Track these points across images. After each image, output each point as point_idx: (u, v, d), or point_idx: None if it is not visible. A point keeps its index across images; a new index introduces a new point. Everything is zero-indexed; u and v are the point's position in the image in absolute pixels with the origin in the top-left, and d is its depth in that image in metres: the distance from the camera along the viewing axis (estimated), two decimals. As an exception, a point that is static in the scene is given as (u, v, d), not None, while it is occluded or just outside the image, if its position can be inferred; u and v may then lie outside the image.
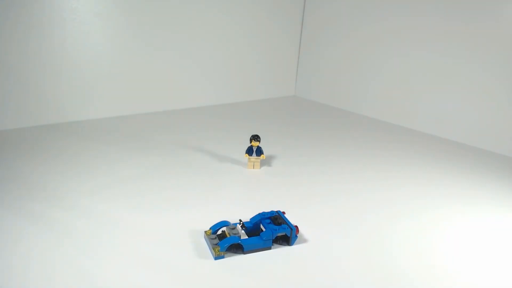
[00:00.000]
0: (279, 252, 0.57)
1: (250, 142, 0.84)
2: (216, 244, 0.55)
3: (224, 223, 0.58)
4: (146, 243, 0.57)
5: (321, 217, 0.67)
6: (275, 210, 0.64)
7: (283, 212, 0.61)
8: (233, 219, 0.64)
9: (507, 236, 0.64)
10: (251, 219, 0.59)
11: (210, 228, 0.58)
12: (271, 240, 0.57)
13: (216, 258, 0.54)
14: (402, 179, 0.84)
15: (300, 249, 0.58)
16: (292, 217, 0.66)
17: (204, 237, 0.58)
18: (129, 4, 1.11)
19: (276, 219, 0.59)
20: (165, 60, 1.23)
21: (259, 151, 0.84)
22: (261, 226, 0.59)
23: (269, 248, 0.57)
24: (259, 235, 0.57)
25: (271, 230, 0.56)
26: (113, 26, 1.11)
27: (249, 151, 0.84)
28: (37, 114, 1.05)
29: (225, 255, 0.55)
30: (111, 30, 1.11)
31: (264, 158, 0.86)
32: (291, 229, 0.57)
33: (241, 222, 0.58)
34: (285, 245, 0.58)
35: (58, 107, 1.08)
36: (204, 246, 0.57)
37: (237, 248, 0.55)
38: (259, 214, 0.60)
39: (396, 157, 0.96)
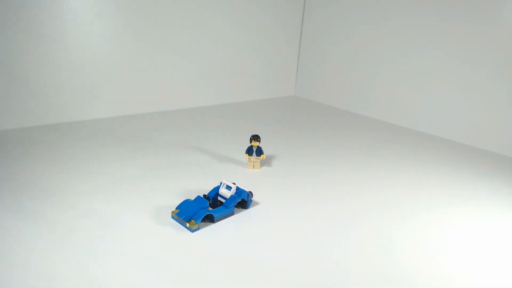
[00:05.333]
0: (241, 216, 0.66)
1: (250, 142, 0.84)
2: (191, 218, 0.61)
3: (187, 201, 0.64)
4: (146, 243, 0.57)
5: (321, 217, 0.67)
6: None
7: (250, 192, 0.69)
8: (233, 218, 0.65)
9: (507, 236, 0.64)
10: (209, 193, 0.68)
11: (177, 208, 0.64)
12: (234, 207, 0.66)
13: (193, 231, 0.61)
14: (402, 179, 0.84)
15: (300, 248, 0.58)
16: (292, 217, 0.66)
17: (172, 217, 0.64)
18: (129, 4, 1.11)
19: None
20: (165, 60, 1.23)
21: (259, 151, 0.84)
22: (219, 198, 0.68)
23: (233, 214, 0.66)
24: (221, 204, 0.66)
25: (233, 198, 0.65)
26: (114, 27, 1.11)
27: (249, 151, 0.84)
28: (37, 114, 1.05)
29: (199, 226, 0.62)
30: (111, 30, 1.11)
31: (264, 158, 0.86)
32: (247, 194, 0.67)
33: (205, 195, 0.65)
34: (242, 209, 0.68)
35: (58, 107, 1.08)
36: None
37: (207, 218, 0.64)
38: (215, 188, 0.68)
39: (396, 157, 0.96)
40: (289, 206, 0.70)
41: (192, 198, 0.66)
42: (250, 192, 0.69)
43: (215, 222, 0.64)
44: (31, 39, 1.00)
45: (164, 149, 0.93)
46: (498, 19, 1.01)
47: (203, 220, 0.63)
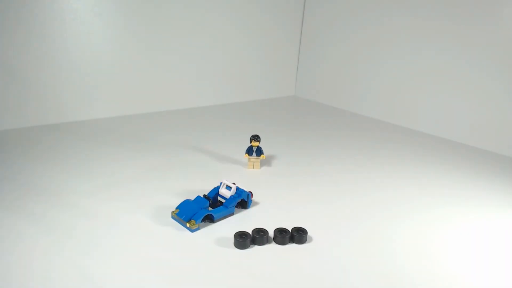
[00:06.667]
0: (241, 216, 0.67)
1: (250, 142, 0.84)
2: (191, 218, 0.61)
3: (187, 201, 0.64)
4: (146, 243, 0.57)
5: (321, 217, 0.67)
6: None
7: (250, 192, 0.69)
8: (233, 218, 0.65)
9: (507, 236, 0.64)
10: (209, 193, 0.68)
11: (177, 208, 0.64)
12: (234, 207, 0.66)
13: (193, 231, 0.61)
14: (402, 179, 0.84)
15: (300, 248, 0.58)
16: (292, 217, 0.66)
17: (172, 217, 0.64)
18: (129, 4, 1.11)
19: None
20: (165, 60, 1.23)
21: (259, 151, 0.84)
22: (219, 198, 0.68)
23: (233, 214, 0.66)
24: (221, 205, 0.66)
25: (232, 198, 0.66)
26: (113, 27, 1.11)
27: (249, 151, 0.84)
28: (37, 114, 1.05)
29: (199, 226, 0.62)
30: (111, 30, 1.11)
31: (264, 158, 0.86)
32: (247, 194, 0.68)
33: (205, 196, 0.66)
34: (242, 209, 0.68)
35: (58, 107, 1.08)
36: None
37: (207, 218, 0.64)
38: (215, 188, 0.68)
39: (396, 157, 0.96)
40: (289, 206, 0.70)
41: (192, 198, 0.66)
42: (250, 192, 0.69)
43: (215, 222, 0.64)
44: (31, 39, 1.00)
45: (164, 149, 0.93)
46: (498, 19, 1.01)
47: (203, 220, 0.63)
